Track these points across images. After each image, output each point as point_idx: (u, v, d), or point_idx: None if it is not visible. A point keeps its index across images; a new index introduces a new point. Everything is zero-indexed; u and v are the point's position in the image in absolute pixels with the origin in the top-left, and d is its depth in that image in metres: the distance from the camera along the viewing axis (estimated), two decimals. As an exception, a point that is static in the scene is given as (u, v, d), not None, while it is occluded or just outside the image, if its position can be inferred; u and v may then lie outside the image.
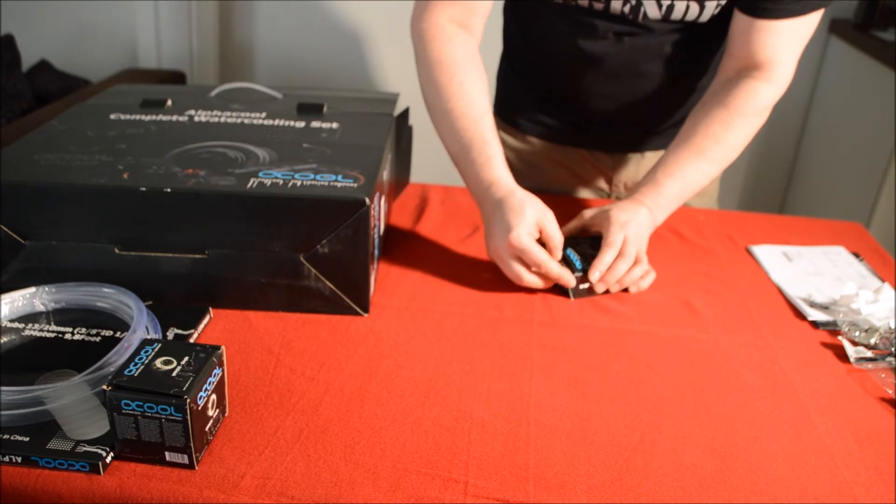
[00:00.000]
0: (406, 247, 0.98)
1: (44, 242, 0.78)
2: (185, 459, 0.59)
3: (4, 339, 0.72)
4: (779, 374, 0.78)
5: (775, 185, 2.31)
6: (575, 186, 1.23)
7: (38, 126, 0.93)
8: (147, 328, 0.71)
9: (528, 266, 0.87)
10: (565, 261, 0.90)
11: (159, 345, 0.62)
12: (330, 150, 0.88)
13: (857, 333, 0.83)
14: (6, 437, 0.60)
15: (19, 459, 0.59)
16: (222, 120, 0.96)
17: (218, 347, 0.62)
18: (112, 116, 0.96)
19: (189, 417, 0.57)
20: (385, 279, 0.90)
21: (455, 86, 0.93)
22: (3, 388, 0.61)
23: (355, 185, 0.78)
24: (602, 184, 1.22)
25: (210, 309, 0.80)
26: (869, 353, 0.81)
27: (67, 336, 0.73)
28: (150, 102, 1.01)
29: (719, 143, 0.95)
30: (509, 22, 1.18)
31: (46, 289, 0.76)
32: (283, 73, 2.28)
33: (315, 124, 0.96)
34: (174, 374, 0.58)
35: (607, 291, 0.90)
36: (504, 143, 1.22)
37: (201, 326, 0.78)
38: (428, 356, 0.76)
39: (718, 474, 0.63)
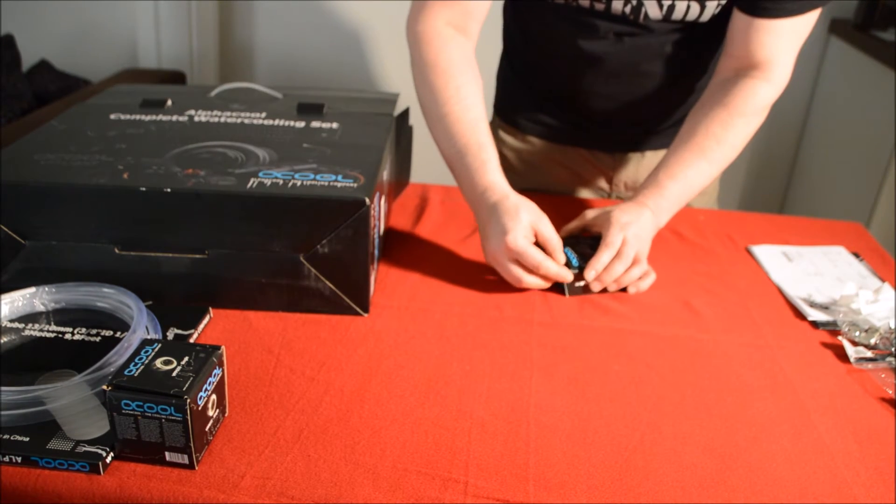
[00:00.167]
0: (406, 247, 0.98)
1: (44, 242, 0.78)
2: (185, 459, 0.59)
3: (4, 339, 0.72)
4: (779, 374, 0.78)
5: (775, 185, 2.31)
6: (575, 186, 1.23)
7: (38, 126, 0.93)
8: (147, 328, 0.71)
9: (526, 268, 0.87)
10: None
11: (159, 345, 0.62)
12: (330, 150, 0.88)
13: (857, 333, 0.83)
14: (6, 437, 0.60)
15: (19, 459, 0.59)
16: (222, 120, 0.96)
17: (218, 347, 0.62)
18: (112, 116, 0.96)
19: (189, 417, 0.57)
20: (385, 279, 0.90)
21: (451, 90, 0.93)
22: (3, 388, 0.61)
23: (355, 185, 0.78)
24: (602, 183, 1.22)
25: (210, 309, 0.80)
26: (869, 353, 0.81)
27: (67, 336, 0.73)
28: (150, 102, 1.01)
29: (720, 144, 0.95)
30: (509, 22, 1.18)
31: (46, 289, 0.76)
32: (283, 73, 2.28)
33: (315, 124, 0.96)
34: (174, 374, 0.58)
35: (604, 290, 0.90)
36: (504, 143, 1.23)
37: (201, 326, 0.78)
38: (428, 356, 0.76)
39: (718, 474, 0.63)
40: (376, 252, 0.88)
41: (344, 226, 0.77)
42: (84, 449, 0.59)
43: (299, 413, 0.67)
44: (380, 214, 0.88)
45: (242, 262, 0.79)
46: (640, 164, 1.19)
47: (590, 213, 0.97)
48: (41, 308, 0.76)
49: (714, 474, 0.63)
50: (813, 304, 0.91)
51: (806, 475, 0.64)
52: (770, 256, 1.02)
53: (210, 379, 0.60)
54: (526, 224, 0.86)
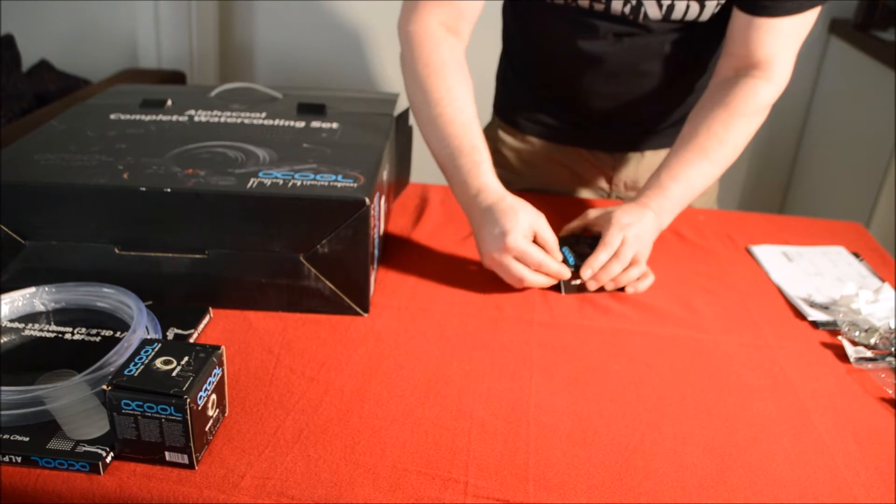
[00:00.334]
0: (406, 247, 0.98)
1: (44, 242, 0.78)
2: (185, 459, 0.59)
3: (4, 339, 0.72)
4: (779, 374, 0.78)
5: (775, 185, 2.31)
6: (575, 186, 1.23)
7: (38, 126, 0.93)
8: (147, 328, 0.71)
9: (527, 267, 0.87)
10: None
11: (159, 345, 0.62)
12: (330, 150, 0.88)
13: (857, 333, 0.83)
14: (6, 437, 0.60)
15: (19, 459, 0.59)
16: (222, 120, 0.96)
17: (218, 347, 0.62)
18: (112, 116, 0.96)
19: (189, 417, 0.57)
20: (385, 279, 0.90)
21: (444, 91, 0.93)
22: (3, 388, 0.61)
23: (355, 185, 0.78)
24: (602, 183, 1.22)
25: (210, 309, 0.80)
26: (869, 353, 0.81)
27: (67, 336, 0.73)
28: (150, 102, 1.01)
29: (721, 144, 0.95)
30: (509, 22, 1.18)
31: (46, 289, 0.76)
32: (283, 73, 2.28)
33: (315, 124, 0.96)
34: (174, 374, 0.58)
35: (601, 289, 0.90)
36: (504, 143, 1.23)
37: (201, 326, 0.78)
38: (428, 356, 0.76)
39: (718, 474, 0.63)
40: (376, 252, 0.88)
41: (344, 226, 0.77)
42: (84, 449, 0.59)
43: (299, 413, 0.67)
44: (380, 214, 0.88)
45: (242, 262, 0.79)
46: (640, 163, 1.19)
47: (592, 213, 0.97)
48: (41, 308, 0.76)
49: (714, 474, 0.63)
50: (813, 304, 0.91)
51: (806, 475, 0.64)
52: (770, 256, 1.02)
53: (210, 379, 0.60)
54: (524, 224, 0.86)
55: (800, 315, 0.89)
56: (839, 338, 0.83)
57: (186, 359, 0.60)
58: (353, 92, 1.12)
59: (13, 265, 0.79)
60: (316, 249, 0.78)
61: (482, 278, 0.91)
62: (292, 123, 0.96)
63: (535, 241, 0.88)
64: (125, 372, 0.58)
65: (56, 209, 0.77)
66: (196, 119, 0.96)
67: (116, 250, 0.78)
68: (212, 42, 2.20)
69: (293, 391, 0.70)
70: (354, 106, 1.04)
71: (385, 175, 0.92)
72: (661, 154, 1.16)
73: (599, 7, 0.99)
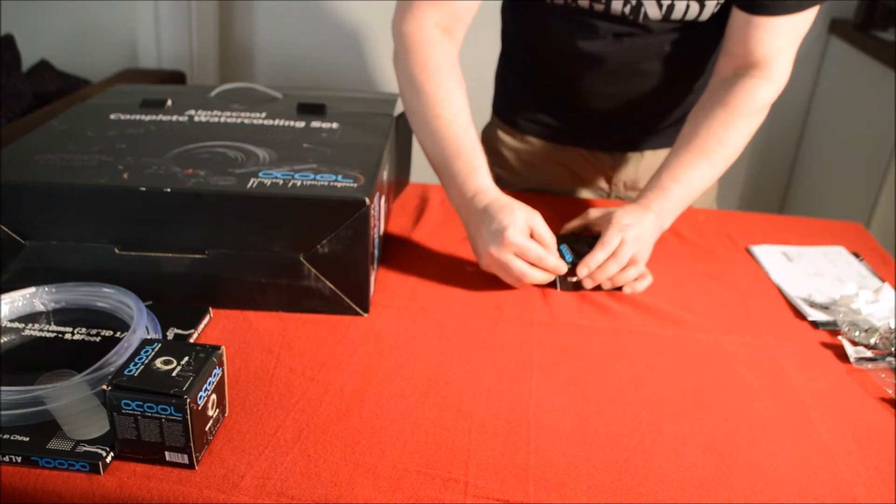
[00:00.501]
0: (406, 247, 0.98)
1: (44, 242, 0.78)
2: (185, 459, 0.59)
3: (4, 339, 0.72)
4: (779, 374, 0.78)
5: (775, 185, 2.31)
6: (574, 186, 1.23)
7: (38, 126, 0.93)
8: (147, 328, 0.71)
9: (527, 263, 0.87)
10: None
11: (159, 345, 0.62)
12: (330, 150, 0.88)
13: (857, 333, 0.83)
14: (6, 437, 0.60)
15: (19, 459, 0.59)
16: (222, 120, 0.96)
17: (218, 347, 0.62)
18: (112, 116, 0.96)
19: (189, 417, 0.57)
20: (385, 279, 0.90)
21: (443, 93, 0.93)
22: (3, 388, 0.61)
23: (355, 185, 0.78)
24: (602, 183, 1.22)
25: (210, 309, 0.80)
26: (869, 353, 0.81)
27: (67, 336, 0.73)
28: (150, 102, 1.01)
29: (721, 144, 0.95)
30: (508, 23, 1.18)
31: (46, 289, 0.76)
32: (283, 73, 2.28)
33: (315, 124, 0.96)
34: (174, 374, 0.58)
35: (598, 288, 0.90)
36: (503, 143, 1.23)
37: (201, 326, 0.78)
38: (428, 356, 0.76)
39: (718, 474, 0.63)
40: (376, 252, 0.88)
41: (344, 226, 0.77)
42: (84, 449, 0.59)
43: (299, 413, 0.67)
44: (380, 214, 0.88)
45: (242, 262, 0.79)
46: (640, 163, 1.19)
47: (593, 213, 0.97)
48: (41, 308, 0.76)
49: (714, 474, 0.63)
50: (813, 304, 0.91)
51: (806, 475, 0.64)
52: (770, 256, 1.02)
53: (210, 379, 0.60)
54: (521, 220, 0.86)
55: (800, 315, 0.89)
56: (839, 338, 0.83)
57: (186, 359, 0.60)
58: (353, 92, 1.12)
59: (13, 265, 0.79)
60: (316, 249, 0.78)
61: (482, 278, 0.91)
62: (292, 123, 0.96)
63: (532, 238, 0.88)
64: (125, 372, 0.58)
65: (56, 209, 0.77)
66: (196, 119, 0.96)
67: (116, 250, 0.78)
68: (212, 42, 2.20)
69: (293, 391, 0.70)
70: (354, 106, 1.04)
71: (385, 175, 0.92)
72: (660, 154, 1.16)
73: (599, 7, 0.99)
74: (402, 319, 0.82)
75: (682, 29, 1.01)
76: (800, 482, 0.63)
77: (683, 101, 1.13)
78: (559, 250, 0.91)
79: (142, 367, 0.59)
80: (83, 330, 0.73)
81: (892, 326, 0.84)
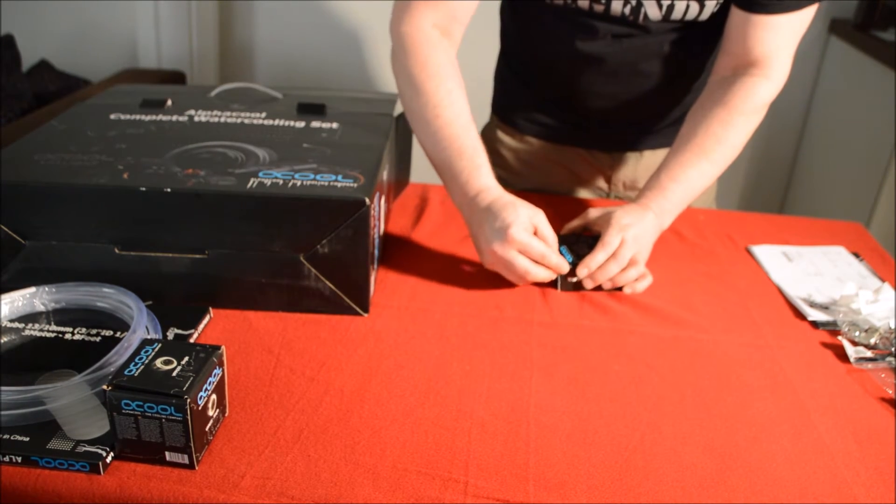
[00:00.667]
0: (406, 247, 0.98)
1: (44, 242, 0.78)
2: (185, 459, 0.59)
3: (4, 339, 0.72)
4: (779, 374, 0.78)
5: (775, 185, 2.31)
6: (574, 186, 1.23)
7: (38, 126, 0.93)
8: (147, 328, 0.71)
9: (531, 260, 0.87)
10: None
11: (159, 345, 0.62)
12: (330, 150, 0.88)
13: (857, 333, 0.83)
14: (6, 437, 0.60)
15: (19, 459, 0.59)
16: (222, 120, 0.96)
17: (218, 347, 0.62)
18: (112, 116, 0.96)
19: (189, 417, 0.57)
20: (385, 279, 0.90)
21: (443, 93, 0.93)
22: (3, 388, 0.61)
23: (355, 185, 0.78)
24: (601, 183, 1.22)
25: (210, 309, 0.80)
26: (869, 353, 0.81)
27: (67, 336, 0.73)
28: (150, 102, 1.01)
29: (721, 143, 0.95)
30: (507, 23, 1.18)
31: (46, 289, 0.76)
32: (283, 73, 2.28)
33: (315, 124, 0.96)
34: (174, 374, 0.58)
35: (599, 288, 0.90)
36: (502, 143, 1.23)
37: (201, 326, 0.78)
38: (428, 356, 0.76)
39: (718, 474, 0.63)
40: (376, 252, 0.88)
41: (344, 226, 0.77)
42: (84, 449, 0.59)
43: (299, 413, 0.67)
44: (380, 214, 0.88)
45: (242, 262, 0.79)
46: (639, 163, 1.19)
47: (593, 213, 0.97)
48: (41, 308, 0.76)
49: (714, 474, 0.63)
50: (813, 304, 0.91)
51: (806, 475, 0.64)
52: (770, 256, 1.02)
53: (210, 379, 0.60)
54: (525, 218, 0.86)
55: (800, 315, 0.89)
56: (839, 338, 0.83)
57: (186, 359, 0.60)
58: (353, 92, 1.12)
59: (13, 265, 0.79)
60: (316, 249, 0.78)
61: (482, 278, 0.91)
62: (292, 123, 0.96)
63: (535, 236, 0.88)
64: (125, 372, 0.58)
65: (56, 209, 0.77)
66: (196, 119, 0.96)
67: (116, 250, 0.78)
68: (212, 42, 2.20)
69: (293, 391, 0.70)
70: (354, 106, 1.04)
71: (385, 175, 0.92)
72: (659, 154, 1.16)
73: (599, 8, 0.99)
74: (402, 319, 0.82)
75: (682, 29, 1.01)
76: (800, 482, 0.63)
77: (682, 101, 1.13)
78: (559, 252, 0.91)
79: (142, 367, 0.59)
80: (83, 330, 0.73)
81: (892, 326, 0.84)
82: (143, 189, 0.76)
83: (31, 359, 0.70)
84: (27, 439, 0.60)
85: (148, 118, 0.95)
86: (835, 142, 2.06)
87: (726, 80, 0.98)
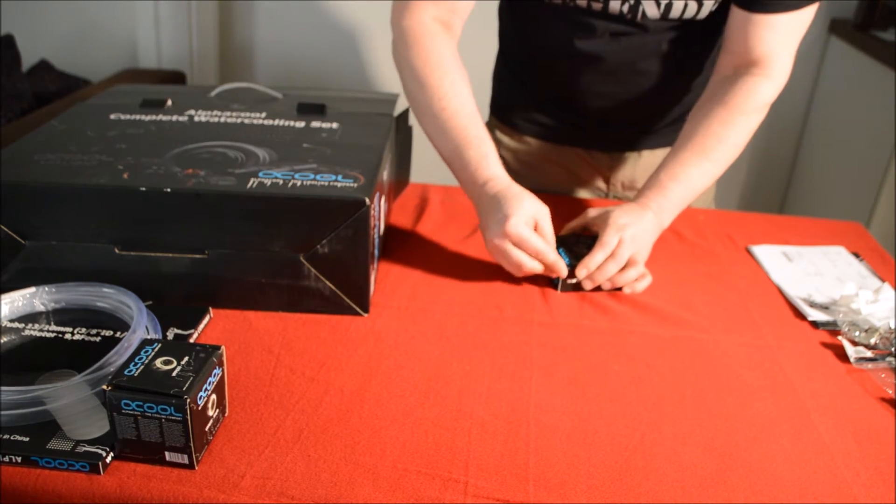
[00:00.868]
0: (406, 247, 0.98)
1: (44, 242, 0.78)
2: (185, 459, 0.59)
3: (4, 339, 0.72)
4: (779, 374, 0.78)
5: (775, 185, 2.31)
6: (572, 186, 1.23)
7: (38, 126, 0.93)
8: (147, 328, 0.71)
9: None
10: None
11: (159, 345, 0.62)
12: (330, 150, 0.88)
13: (857, 333, 0.83)
14: (6, 437, 0.60)
15: (19, 459, 0.59)
16: (222, 120, 0.96)
17: (218, 347, 0.62)
18: (112, 116, 0.96)
19: (189, 417, 0.57)
20: (385, 279, 0.90)
21: (447, 85, 0.93)
22: (3, 388, 0.61)
23: (355, 185, 0.78)
24: (600, 183, 1.22)
25: (210, 309, 0.80)
26: (869, 353, 0.81)
27: (67, 336, 0.73)
28: (150, 102, 1.01)
29: (721, 143, 0.95)
30: (505, 22, 1.18)
31: (46, 289, 0.76)
32: (283, 73, 2.28)
33: (315, 124, 0.96)
34: (174, 374, 0.58)
35: (598, 288, 0.90)
36: (501, 144, 1.23)
37: (201, 326, 0.78)
38: (428, 356, 0.76)
39: (718, 474, 0.63)
40: (376, 252, 0.88)
41: (344, 226, 0.77)
42: (84, 449, 0.59)
43: (299, 413, 0.67)
44: (380, 214, 0.88)
45: (242, 262, 0.79)
46: (637, 163, 1.19)
47: (591, 213, 0.97)
48: (41, 308, 0.76)
49: (714, 474, 0.63)
50: (813, 304, 0.91)
51: (806, 475, 0.64)
52: (770, 256, 1.02)
53: (210, 379, 0.60)
54: (527, 212, 0.86)
55: (800, 315, 0.89)
56: (839, 338, 0.83)
57: (186, 359, 0.60)
58: (353, 92, 1.12)
59: (13, 265, 0.79)
60: (316, 249, 0.78)
61: (482, 278, 0.91)
62: (292, 123, 0.96)
63: (535, 231, 0.88)
64: (125, 372, 0.58)
65: (56, 209, 0.77)
66: (196, 119, 0.96)
67: (116, 250, 0.78)
68: (212, 42, 2.20)
69: (293, 391, 0.70)
70: (354, 106, 1.04)
71: (385, 175, 0.92)
72: (658, 154, 1.16)
73: (597, 6, 0.99)
74: (402, 319, 0.82)
75: (680, 28, 1.01)
76: (800, 482, 0.63)
77: (681, 101, 1.13)
78: (558, 253, 0.91)
79: (142, 367, 0.59)
80: (83, 330, 0.73)
81: (892, 326, 0.84)
82: (143, 189, 0.76)
83: (31, 359, 0.70)
84: (27, 439, 0.60)
85: (148, 118, 0.95)
86: (835, 142, 2.06)
87: (727, 80, 0.98)
